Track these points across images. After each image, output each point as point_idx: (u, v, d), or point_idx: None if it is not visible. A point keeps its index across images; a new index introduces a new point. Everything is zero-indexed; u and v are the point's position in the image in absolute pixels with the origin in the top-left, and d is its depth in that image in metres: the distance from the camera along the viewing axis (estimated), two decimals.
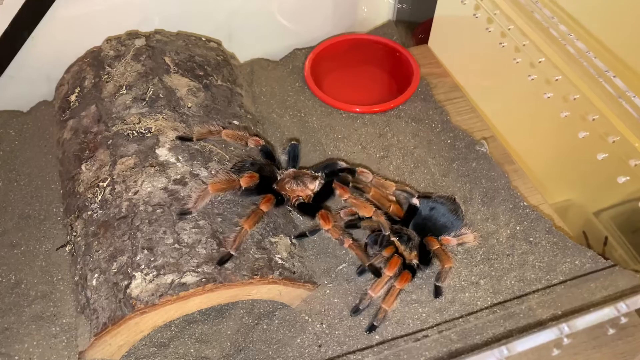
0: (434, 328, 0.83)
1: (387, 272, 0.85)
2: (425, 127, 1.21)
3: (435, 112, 1.24)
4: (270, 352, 0.90)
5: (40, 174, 1.11)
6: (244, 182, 0.89)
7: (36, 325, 0.90)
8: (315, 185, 0.96)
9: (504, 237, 0.99)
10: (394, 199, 0.98)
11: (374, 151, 1.16)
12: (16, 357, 0.86)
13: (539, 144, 1.21)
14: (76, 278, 0.91)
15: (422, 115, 1.24)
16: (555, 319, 0.80)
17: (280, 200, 0.94)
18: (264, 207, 0.88)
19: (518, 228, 1.00)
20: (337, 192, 0.90)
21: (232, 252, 0.84)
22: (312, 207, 0.95)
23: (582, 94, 0.84)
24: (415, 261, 0.91)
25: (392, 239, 0.90)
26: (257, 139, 1.00)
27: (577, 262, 0.93)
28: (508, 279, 0.92)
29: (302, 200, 0.95)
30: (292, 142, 1.03)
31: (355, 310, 0.89)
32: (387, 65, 1.36)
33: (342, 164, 1.01)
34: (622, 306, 0.64)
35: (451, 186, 1.10)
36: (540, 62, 0.92)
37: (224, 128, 1.01)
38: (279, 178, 0.98)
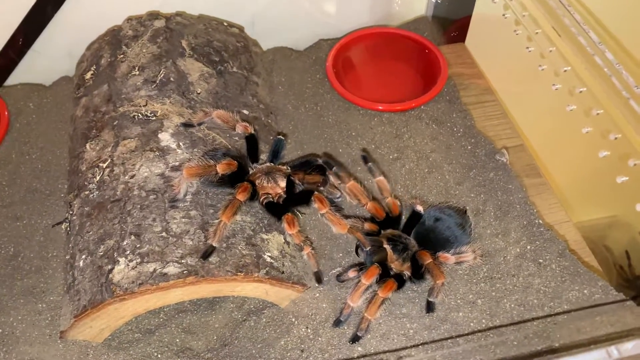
0: (419, 347, 0.78)
1: (364, 281, 0.80)
2: (445, 131, 1.15)
3: (459, 115, 1.18)
4: (254, 351, 0.88)
5: (52, 148, 1.12)
6: (220, 168, 0.86)
7: (25, 299, 0.91)
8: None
9: (511, 256, 0.93)
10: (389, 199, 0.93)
11: (387, 152, 1.11)
12: None
13: (575, 154, 1.13)
14: (67, 257, 0.91)
15: (445, 117, 1.17)
16: (551, 352, 0.73)
17: (252, 194, 0.89)
18: (240, 197, 0.84)
19: (529, 247, 0.94)
20: (316, 205, 0.86)
21: (214, 244, 0.82)
22: (280, 207, 0.90)
23: (605, 109, 0.76)
24: (407, 272, 0.86)
25: (385, 246, 0.86)
26: (246, 125, 0.95)
27: (585, 291, 0.85)
28: (508, 302, 0.86)
29: (270, 199, 0.91)
30: (278, 137, 0.98)
31: (337, 322, 0.85)
32: (413, 62, 1.30)
33: (319, 161, 0.96)
34: (614, 351, 0.58)
35: (464, 196, 1.04)
36: (565, 71, 0.85)
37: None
38: (250, 172, 0.94)
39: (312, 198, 0.86)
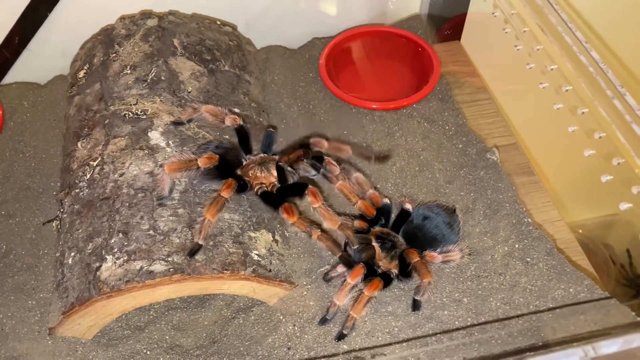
0: (403, 344, 0.79)
1: (349, 280, 0.81)
2: (437, 129, 1.15)
3: (451, 113, 1.18)
4: (242, 349, 0.88)
5: (46, 147, 1.13)
6: (202, 162, 0.86)
7: (15, 296, 0.92)
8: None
9: (499, 255, 0.93)
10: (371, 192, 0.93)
11: (379, 150, 1.11)
12: None
13: (564, 153, 1.12)
14: (57, 254, 0.92)
15: (437, 116, 1.17)
16: (534, 350, 0.73)
17: (243, 186, 0.89)
18: (224, 194, 0.84)
19: (517, 246, 0.94)
20: (309, 199, 0.85)
21: (200, 242, 0.83)
22: (275, 197, 0.90)
23: (590, 108, 0.76)
24: (394, 270, 0.86)
25: (373, 243, 0.86)
26: (235, 117, 0.95)
27: (571, 289, 0.85)
28: (494, 300, 0.86)
29: (265, 189, 0.91)
30: (269, 129, 0.99)
31: (323, 321, 0.86)
32: (407, 60, 1.30)
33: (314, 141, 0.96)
34: (590, 350, 0.58)
35: (454, 194, 1.04)
36: (551, 69, 0.85)
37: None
38: (244, 163, 0.94)
39: (306, 192, 0.86)
